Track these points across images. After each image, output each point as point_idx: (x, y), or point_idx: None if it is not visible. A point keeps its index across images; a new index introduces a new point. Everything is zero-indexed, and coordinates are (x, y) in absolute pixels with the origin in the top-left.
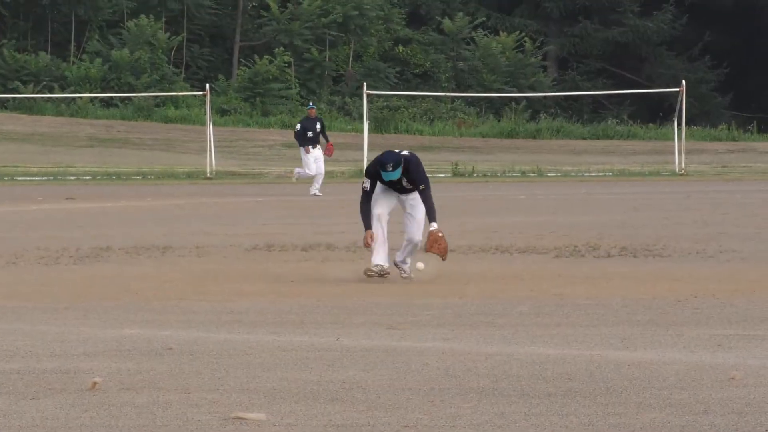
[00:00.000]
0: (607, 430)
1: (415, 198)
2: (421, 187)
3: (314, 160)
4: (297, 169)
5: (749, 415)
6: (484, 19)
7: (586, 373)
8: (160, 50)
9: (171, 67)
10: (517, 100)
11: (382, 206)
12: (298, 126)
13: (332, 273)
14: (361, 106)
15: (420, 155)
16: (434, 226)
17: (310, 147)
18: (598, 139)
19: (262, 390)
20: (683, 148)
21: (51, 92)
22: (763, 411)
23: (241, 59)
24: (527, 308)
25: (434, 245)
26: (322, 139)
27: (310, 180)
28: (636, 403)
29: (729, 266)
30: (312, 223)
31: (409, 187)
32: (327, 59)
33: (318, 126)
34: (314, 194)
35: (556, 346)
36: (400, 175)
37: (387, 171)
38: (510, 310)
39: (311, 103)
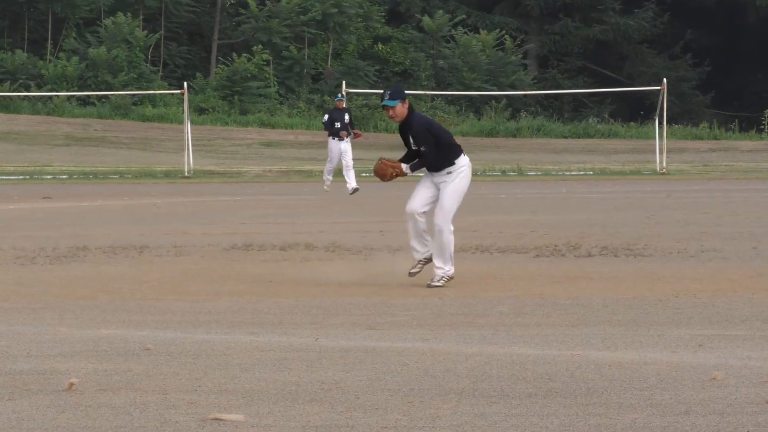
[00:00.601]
0: (587, 430)
1: (445, 183)
2: (422, 148)
3: (339, 152)
4: (349, 186)
5: (731, 416)
6: (464, 16)
7: (566, 373)
8: (138, 48)
9: (148, 65)
10: (497, 98)
11: (415, 199)
12: (326, 116)
13: (311, 273)
14: None
15: (399, 153)
16: (404, 166)
17: (338, 136)
18: (578, 137)
19: (240, 391)
20: (664, 146)
21: (27, 90)
22: (745, 411)
23: (220, 57)
24: (507, 308)
25: (380, 167)
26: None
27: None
28: (617, 404)
29: (710, 266)
30: (290, 223)
31: (420, 148)
32: (306, 57)
33: (347, 117)
34: (353, 188)
35: (536, 346)
36: (396, 104)
37: (384, 98)
38: (490, 310)
39: (340, 95)
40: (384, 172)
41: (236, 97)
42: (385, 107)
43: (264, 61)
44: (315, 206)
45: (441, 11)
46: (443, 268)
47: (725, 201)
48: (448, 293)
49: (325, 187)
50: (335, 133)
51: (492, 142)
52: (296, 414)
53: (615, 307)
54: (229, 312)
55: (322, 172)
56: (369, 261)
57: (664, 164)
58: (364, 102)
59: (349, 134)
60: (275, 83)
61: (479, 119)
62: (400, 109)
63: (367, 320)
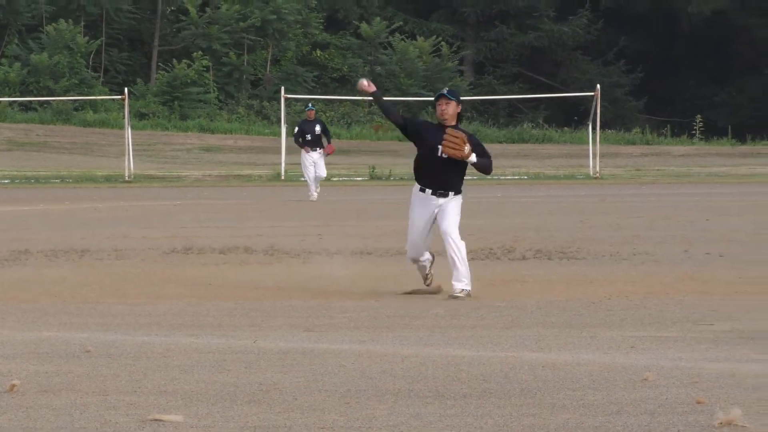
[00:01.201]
0: (521, 430)
1: (446, 205)
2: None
3: (312, 163)
4: (310, 193)
5: (662, 416)
6: (401, 23)
7: (500, 374)
8: (79, 54)
9: (90, 71)
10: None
11: (416, 245)
12: (296, 129)
13: (250, 276)
14: (279, 110)
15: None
16: (473, 157)
17: (308, 148)
18: (513, 142)
19: (180, 392)
20: (598, 151)
21: None
22: (676, 411)
23: (160, 63)
24: (443, 310)
25: (451, 140)
26: (324, 141)
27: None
28: (550, 404)
29: (642, 269)
30: (230, 227)
31: (445, 156)
32: (245, 63)
33: (318, 128)
34: (312, 197)
35: (471, 347)
36: (453, 101)
37: (443, 91)
38: (426, 312)
39: (310, 104)
40: (459, 151)
41: (176, 102)
42: (441, 97)
43: (204, 67)
44: (254, 210)
45: (378, 18)
46: (463, 281)
47: (657, 205)
48: (385, 295)
49: (311, 199)
50: (304, 145)
51: None
52: (235, 415)
53: (548, 310)
54: (168, 314)
55: (260, 177)
56: (307, 264)
57: (598, 169)
58: (303, 108)
59: (322, 147)
60: (215, 89)
61: None
62: (454, 108)
63: (305, 322)
